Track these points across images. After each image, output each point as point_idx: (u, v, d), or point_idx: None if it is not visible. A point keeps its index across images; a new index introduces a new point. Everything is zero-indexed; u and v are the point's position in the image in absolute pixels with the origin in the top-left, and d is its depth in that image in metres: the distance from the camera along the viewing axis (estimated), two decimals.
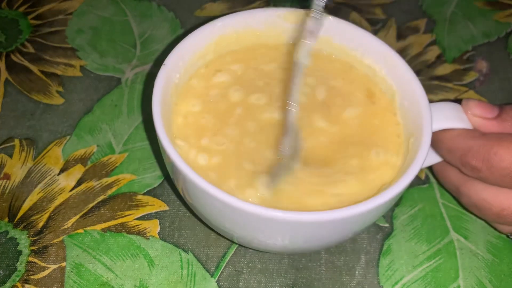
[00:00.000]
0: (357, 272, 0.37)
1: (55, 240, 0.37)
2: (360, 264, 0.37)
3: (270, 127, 0.35)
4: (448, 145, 0.34)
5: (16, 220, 0.38)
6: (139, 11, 0.52)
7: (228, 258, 0.37)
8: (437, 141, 0.35)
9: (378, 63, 0.37)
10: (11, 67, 0.47)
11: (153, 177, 0.41)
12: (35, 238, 0.37)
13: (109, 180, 0.40)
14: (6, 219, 0.38)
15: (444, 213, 0.40)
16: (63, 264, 0.36)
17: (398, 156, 0.34)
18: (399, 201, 0.40)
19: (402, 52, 0.50)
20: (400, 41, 0.51)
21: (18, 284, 0.35)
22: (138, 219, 0.38)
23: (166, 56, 0.35)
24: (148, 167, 0.41)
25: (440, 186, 0.41)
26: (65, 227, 0.38)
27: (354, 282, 0.36)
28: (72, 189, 0.40)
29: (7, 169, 0.40)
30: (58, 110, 0.44)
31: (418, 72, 0.48)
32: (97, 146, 0.42)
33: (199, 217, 0.37)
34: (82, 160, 0.41)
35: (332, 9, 0.53)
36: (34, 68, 0.47)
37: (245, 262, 0.37)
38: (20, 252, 0.36)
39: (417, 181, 0.41)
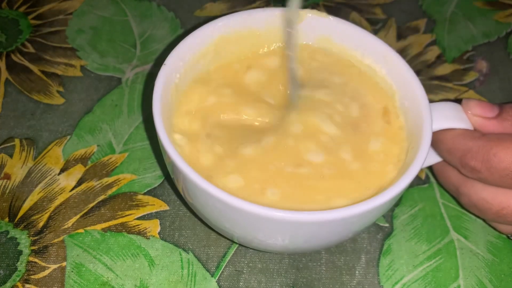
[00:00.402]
0: (357, 272, 0.37)
1: (56, 240, 0.37)
2: (360, 264, 0.37)
3: (269, 124, 0.35)
4: (447, 145, 0.34)
5: (16, 220, 0.38)
6: (139, 11, 0.52)
7: (229, 258, 0.37)
8: (437, 141, 0.35)
9: (378, 63, 0.37)
10: (12, 67, 0.47)
11: (154, 177, 0.41)
12: (36, 238, 0.37)
13: (109, 180, 0.40)
14: (7, 219, 0.38)
15: (444, 213, 0.40)
16: (64, 264, 0.36)
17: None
18: (399, 201, 0.40)
19: (402, 52, 0.50)
20: (400, 41, 0.51)
21: (19, 284, 0.35)
22: (138, 219, 0.38)
23: (166, 56, 0.35)
24: (148, 167, 0.41)
25: (440, 186, 0.41)
26: (66, 227, 0.38)
27: (355, 282, 0.36)
28: (73, 189, 0.40)
29: (7, 169, 0.40)
30: (58, 110, 0.44)
31: (418, 72, 0.48)
32: (98, 146, 0.42)
33: (199, 217, 0.37)
34: (83, 160, 0.41)
35: (332, 9, 0.53)
36: (34, 68, 0.47)
37: (246, 262, 0.37)
38: (20, 252, 0.36)
39: (417, 181, 0.41)
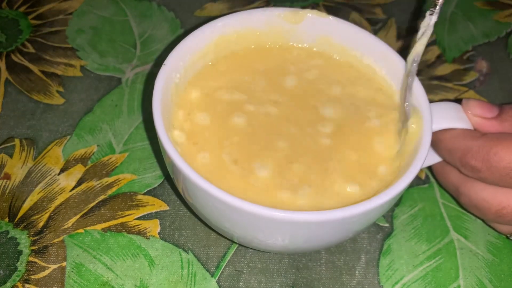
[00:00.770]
0: (357, 272, 0.37)
1: (56, 240, 0.37)
2: (360, 264, 0.37)
3: (271, 125, 0.35)
4: (447, 145, 0.34)
5: (16, 220, 0.38)
6: (139, 11, 0.52)
7: (229, 258, 0.37)
8: (437, 141, 0.35)
9: (378, 63, 0.37)
10: (12, 67, 0.47)
11: (154, 177, 0.41)
12: (36, 238, 0.37)
13: (109, 180, 0.40)
14: (7, 219, 0.38)
15: (444, 213, 0.40)
16: (64, 264, 0.36)
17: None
18: (399, 201, 0.40)
19: (402, 52, 0.50)
20: (400, 41, 0.51)
21: (19, 284, 0.35)
22: (138, 219, 0.38)
23: (166, 56, 0.35)
24: (148, 167, 0.41)
25: (440, 186, 0.41)
26: (66, 227, 0.38)
27: (354, 282, 0.36)
28: (73, 189, 0.40)
29: (7, 169, 0.40)
30: (58, 110, 0.44)
31: (418, 72, 0.48)
32: (98, 146, 0.42)
33: (199, 217, 0.37)
34: (83, 160, 0.41)
35: (332, 9, 0.53)
36: (34, 68, 0.47)
37: (246, 262, 0.37)
38: (20, 252, 0.36)
39: (417, 181, 0.41)
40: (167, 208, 0.39)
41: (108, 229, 0.38)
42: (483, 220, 0.39)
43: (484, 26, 0.53)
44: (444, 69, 0.49)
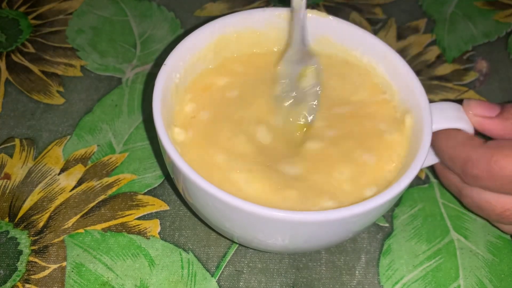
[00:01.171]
0: (357, 272, 0.37)
1: (56, 240, 0.37)
2: (361, 263, 0.37)
3: (269, 124, 0.35)
4: (448, 154, 0.34)
5: (16, 220, 0.38)
6: (139, 11, 0.52)
7: (229, 258, 0.37)
8: (439, 150, 0.35)
9: (378, 63, 0.37)
10: (12, 67, 0.47)
11: (154, 176, 0.41)
12: (36, 237, 0.37)
13: (109, 180, 0.40)
14: (7, 219, 0.38)
15: (444, 213, 0.40)
16: (64, 263, 0.36)
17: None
18: (399, 201, 0.40)
19: (402, 52, 0.50)
20: (400, 41, 0.51)
21: (19, 284, 0.35)
22: (138, 218, 0.38)
23: (167, 56, 0.35)
24: (148, 166, 0.41)
25: (440, 186, 0.41)
26: (66, 226, 0.38)
27: (355, 282, 0.36)
28: (73, 189, 0.40)
29: (7, 169, 0.40)
30: (58, 110, 0.44)
31: (418, 72, 0.48)
32: (98, 146, 0.42)
33: (199, 217, 0.37)
34: (83, 160, 0.41)
35: (332, 9, 0.53)
36: (34, 68, 0.47)
37: (246, 262, 0.37)
38: (20, 252, 0.36)
39: (417, 181, 0.41)
40: (167, 208, 0.39)
41: (108, 229, 0.38)
42: (486, 220, 0.39)
43: (484, 26, 0.53)
44: (444, 69, 0.49)
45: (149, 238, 0.37)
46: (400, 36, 0.51)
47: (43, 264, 0.36)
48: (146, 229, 0.38)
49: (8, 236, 0.37)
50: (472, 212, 0.39)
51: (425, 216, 0.39)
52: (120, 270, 0.36)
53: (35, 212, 0.38)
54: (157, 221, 0.38)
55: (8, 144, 0.42)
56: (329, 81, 0.38)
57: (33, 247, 0.37)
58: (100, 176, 0.40)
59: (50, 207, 0.39)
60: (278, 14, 0.38)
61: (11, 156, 0.41)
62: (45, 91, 0.45)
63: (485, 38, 0.52)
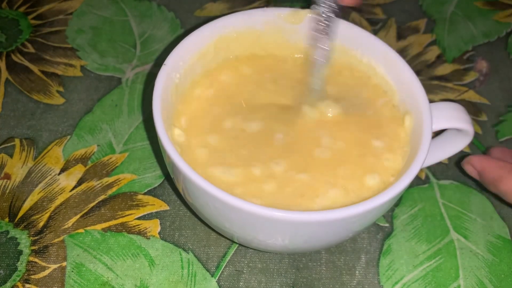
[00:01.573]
0: (357, 272, 0.37)
1: (56, 240, 0.37)
2: (361, 263, 0.37)
3: (270, 123, 0.35)
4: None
5: (16, 219, 0.38)
6: (139, 11, 0.52)
7: (229, 258, 0.37)
8: (504, 193, 0.35)
9: (378, 63, 0.37)
10: (12, 67, 0.47)
11: (154, 176, 0.41)
12: (36, 237, 0.37)
13: (109, 179, 0.40)
14: (7, 219, 0.38)
15: (444, 213, 0.40)
16: (64, 263, 0.36)
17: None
18: (399, 201, 0.40)
19: (402, 52, 0.50)
20: (400, 41, 0.51)
21: (19, 284, 0.35)
22: (138, 218, 0.38)
23: (167, 56, 0.35)
24: (148, 166, 0.41)
25: (440, 186, 0.41)
26: (66, 226, 0.38)
27: (355, 281, 0.36)
28: (73, 188, 0.40)
29: (7, 169, 0.40)
30: (58, 110, 0.44)
31: (418, 72, 0.48)
32: (98, 146, 0.42)
33: (199, 217, 0.37)
34: (83, 160, 0.41)
35: None
36: (34, 68, 0.47)
37: (246, 262, 0.37)
38: (20, 252, 0.36)
39: (417, 181, 0.41)
40: (167, 208, 0.39)
41: (108, 229, 0.38)
42: None
43: (484, 26, 0.53)
44: (444, 69, 0.49)
45: (149, 238, 0.37)
46: (400, 36, 0.51)
47: (43, 264, 0.36)
48: (146, 229, 0.38)
49: (8, 236, 0.37)
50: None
51: (425, 216, 0.40)
52: (120, 270, 0.36)
53: (35, 212, 0.38)
54: (157, 221, 0.38)
55: (8, 144, 0.42)
56: (329, 81, 0.38)
57: (33, 247, 0.37)
58: (100, 176, 0.40)
59: (50, 207, 0.39)
60: (278, 14, 0.38)
61: (11, 156, 0.41)
62: (45, 91, 0.45)
63: (485, 38, 0.52)
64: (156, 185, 0.40)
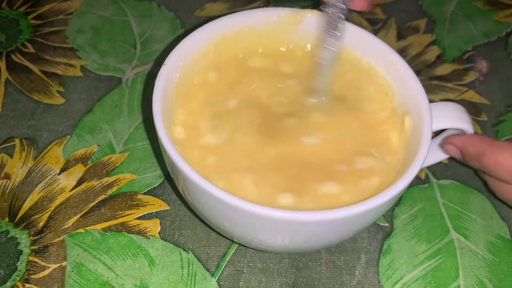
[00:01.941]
0: (357, 272, 0.37)
1: (56, 240, 0.37)
2: (360, 263, 0.37)
3: (268, 122, 0.35)
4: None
5: (16, 219, 0.38)
6: (139, 11, 0.52)
7: (229, 258, 0.37)
8: (497, 164, 0.34)
9: (378, 63, 0.37)
10: (12, 67, 0.47)
11: (154, 176, 0.41)
12: (36, 237, 0.37)
13: (109, 179, 0.40)
14: (7, 219, 0.38)
15: (444, 213, 0.40)
16: (64, 263, 0.36)
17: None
18: (399, 201, 0.40)
19: (402, 52, 0.50)
20: (400, 41, 0.51)
21: (19, 284, 0.35)
22: (138, 218, 0.38)
23: (167, 56, 0.35)
24: (148, 166, 0.41)
25: (440, 186, 0.41)
26: (66, 226, 0.38)
27: (355, 281, 0.36)
28: (73, 188, 0.40)
29: (7, 168, 0.40)
30: (58, 110, 0.44)
31: (418, 72, 0.48)
32: (98, 145, 0.42)
33: (199, 217, 0.37)
34: (83, 159, 0.41)
35: None
36: (34, 68, 0.47)
37: (246, 262, 0.37)
38: (20, 252, 0.36)
39: (417, 181, 0.41)
40: (167, 207, 0.39)
41: (108, 228, 0.38)
42: None
43: (484, 26, 0.53)
44: (444, 69, 0.49)
45: (149, 238, 0.37)
46: (400, 36, 0.51)
47: (43, 264, 0.36)
48: (146, 228, 0.38)
49: (8, 236, 0.37)
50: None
51: (425, 215, 0.40)
52: (120, 270, 0.36)
53: (35, 212, 0.38)
54: (157, 221, 0.38)
55: (8, 144, 0.42)
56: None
57: (33, 247, 0.37)
58: (100, 176, 0.40)
59: (50, 207, 0.39)
60: (278, 14, 0.38)
61: (11, 156, 0.41)
62: (45, 91, 0.45)
63: (485, 38, 0.52)
64: (156, 185, 0.40)
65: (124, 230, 0.38)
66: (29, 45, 0.49)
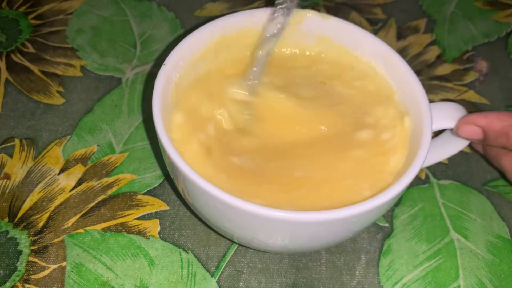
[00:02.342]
0: (357, 272, 0.37)
1: (56, 240, 0.37)
2: (360, 264, 0.37)
3: (267, 121, 0.35)
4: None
5: (16, 219, 0.38)
6: (139, 11, 0.52)
7: (229, 258, 0.37)
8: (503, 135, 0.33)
9: (378, 63, 0.37)
10: (12, 67, 0.47)
11: (154, 176, 0.41)
12: (36, 237, 0.37)
13: (109, 179, 0.40)
14: (7, 219, 0.38)
15: (444, 213, 0.40)
16: (64, 263, 0.36)
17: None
18: (399, 201, 0.40)
19: (402, 52, 0.50)
20: (400, 41, 0.51)
21: (19, 284, 0.35)
22: (138, 218, 0.38)
23: (166, 56, 0.35)
24: (148, 166, 0.41)
25: (440, 186, 0.41)
26: (66, 226, 0.38)
27: (355, 282, 0.36)
28: (72, 188, 0.40)
29: (7, 169, 0.40)
30: (58, 110, 0.44)
31: (418, 72, 0.48)
32: (98, 146, 0.42)
33: (199, 217, 0.37)
34: (83, 160, 0.41)
35: (332, 9, 0.53)
36: (34, 68, 0.47)
37: (246, 262, 0.37)
38: (20, 252, 0.36)
39: (417, 181, 0.41)
40: (167, 208, 0.39)
41: (108, 229, 0.38)
42: None
43: (484, 26, 0.53)
44: (444, 69, 0.49)
45: (148, 238, 0.37)
46: (400, 36, 0.51)
47: (43, 264, 0.36)
48: (146, 229, 0.38)
49: (8, 236, 0.37)
50: None
51: (425, 216, 0.39)
52: (119, 270, 0.36)
53: (35, 212, 0.38)
54: (157, 221, 0.38)
55: (8, 144, 0.42)
56: (329, 81, 0.38)
57: (32, 247, 0.37)
58: (100, 176, 0.40)
59: (50, 207, 0.39)
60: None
61: (11, 156, 0.41)
62: (45, 91, 0.45)
63: (485, 38, 0.52)
64: (156, 185, 0.40)
65: (123, 230, 0.38)
66: (29, 45, 0.49)
